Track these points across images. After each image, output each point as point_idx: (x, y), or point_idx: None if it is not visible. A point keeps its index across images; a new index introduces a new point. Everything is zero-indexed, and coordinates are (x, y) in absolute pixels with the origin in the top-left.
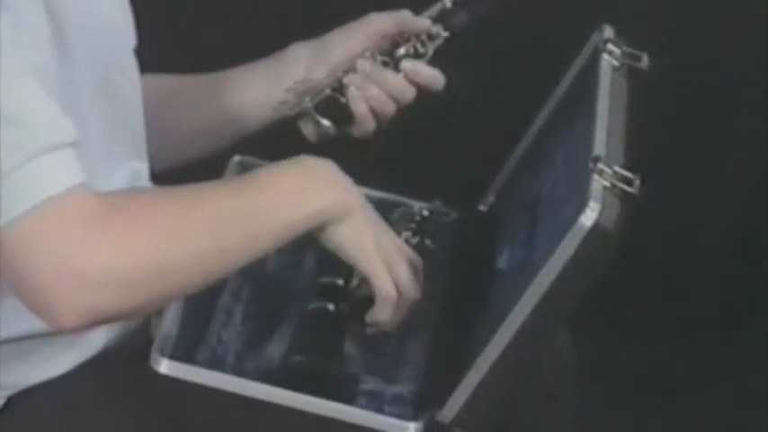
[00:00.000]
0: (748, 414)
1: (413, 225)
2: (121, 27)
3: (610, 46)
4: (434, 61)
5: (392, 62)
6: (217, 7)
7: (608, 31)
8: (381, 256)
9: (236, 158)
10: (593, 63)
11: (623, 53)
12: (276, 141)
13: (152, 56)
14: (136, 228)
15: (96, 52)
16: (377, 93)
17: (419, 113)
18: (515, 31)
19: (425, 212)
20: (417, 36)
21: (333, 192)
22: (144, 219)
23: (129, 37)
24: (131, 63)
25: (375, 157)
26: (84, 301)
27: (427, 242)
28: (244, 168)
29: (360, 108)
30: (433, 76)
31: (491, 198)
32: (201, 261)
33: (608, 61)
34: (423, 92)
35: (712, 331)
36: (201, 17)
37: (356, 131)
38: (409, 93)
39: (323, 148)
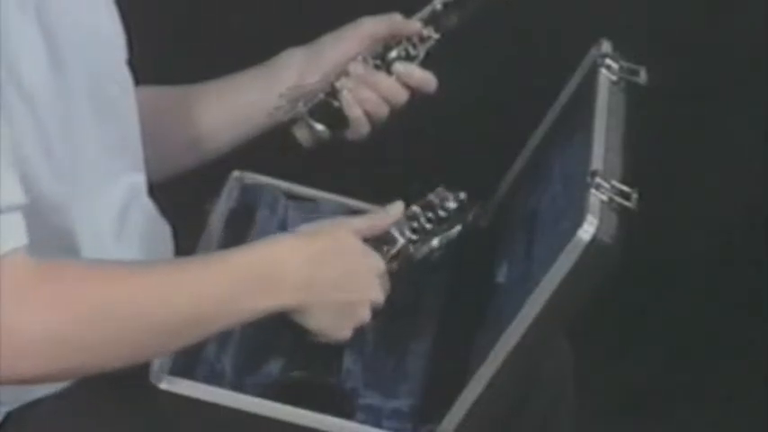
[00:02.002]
0: (748, 427)
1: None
2: (114, 40)
3: (607, 61)
4: (426, 63)
5: (384, 65)
6: (208, 15)
7: (606, 46)
8: (350, 324)
9: (236, 174)
10: (591, 78)
11: (621, 68)
12: (274, 156)
13: (143, 67)
14: (59, 300)
15: (91, 66)
16: (370, 96)
17: (418, 129)
18: (514, 45)
19: (451, 205)
20: (409, 39)
21: (285, 294)
22: (70, 293)
23: (121, 49)
24: (125, 75)
25: (371, 172)
26: (5, 363)
27: (434, 243)
28: (243, 184)
29: (353, 112)
30: (425, 78)
31: (490, 212)
32: (122, 343)
33: (606, 76)
34: (415, 94)
35: (713, 343)
36: (192, 26)
37: (350, 135)
38: (402, 95)
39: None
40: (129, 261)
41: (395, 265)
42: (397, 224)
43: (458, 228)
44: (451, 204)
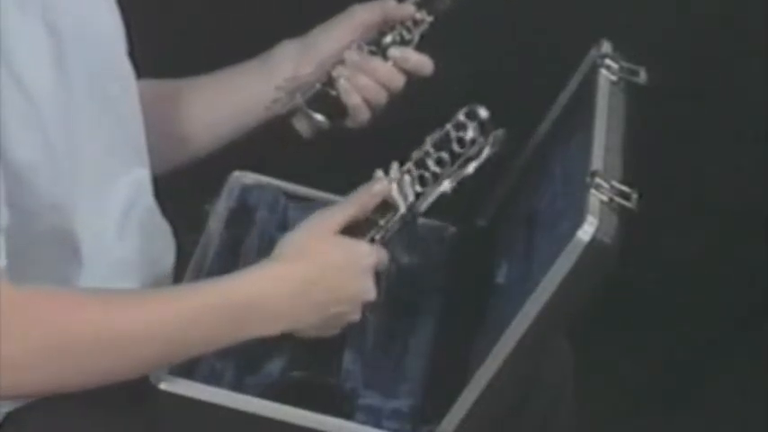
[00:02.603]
0: (749, 425)
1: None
2: (114, 35)
3: (607, 61)
4: (421, 46)
5: (379, 51)
6: (203, 10)
7: (606, 46)
8: (337, 327)
9: (236, 174)
10: (591, 78)
11: (621, 68)
12: (274, 156)
13: (142, 62)
14: (34, 328)
15: (91, 65)
16: (367, 82)
17: (418, 130)
18: (513, 45)
19: (469, 135)
20: (402, 23)
21: (269, 326)
22: (46, 321)
23: (121, 42)
24: (127, 70)
25: (371, 172)
26: None
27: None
28: (243, 184)
29: (351, 99)
30: (422, 61)
31: (489, 213)
32: (93, 371)
33: (605, 76)
34: (412, 78)
35: (713, 343)
36: (188, 20)
37: (350, 123)
38: (399, 80)
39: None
40: (111, 290)
41: (395, 226)
42: (400, 181)
43: (473, 163)
44: (470, 135)
